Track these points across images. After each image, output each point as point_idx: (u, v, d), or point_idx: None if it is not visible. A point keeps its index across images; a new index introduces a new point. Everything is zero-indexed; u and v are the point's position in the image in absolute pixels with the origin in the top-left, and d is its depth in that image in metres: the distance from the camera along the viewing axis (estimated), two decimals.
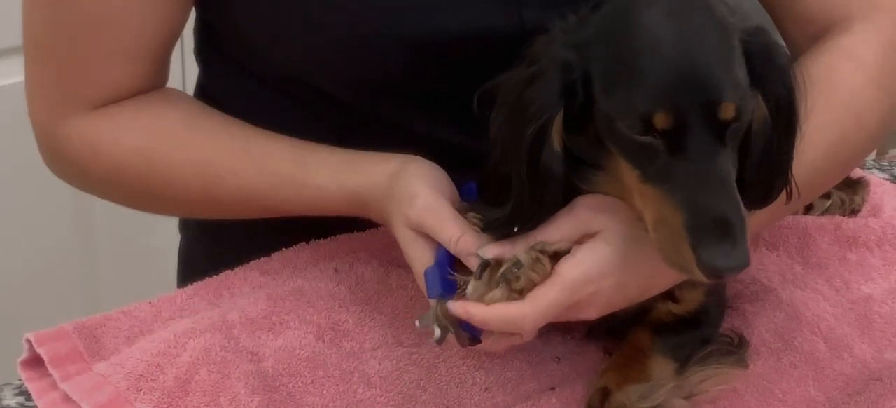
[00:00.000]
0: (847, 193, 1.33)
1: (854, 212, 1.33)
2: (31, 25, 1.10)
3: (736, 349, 1.06)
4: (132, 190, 1.13)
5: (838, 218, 1.29)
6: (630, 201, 0.92)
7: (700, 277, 0.87)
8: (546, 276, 0.93)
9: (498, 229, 0.95)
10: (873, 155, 1.55)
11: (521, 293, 0.92)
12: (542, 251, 0.93)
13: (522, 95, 0.91)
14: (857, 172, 1.39)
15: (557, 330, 1.11)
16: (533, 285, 0.92)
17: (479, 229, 0.96)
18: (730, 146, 0.88)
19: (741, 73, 0.89)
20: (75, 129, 1.10)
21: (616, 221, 0.94)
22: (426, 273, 0.97)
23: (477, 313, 0.93)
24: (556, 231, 0.95)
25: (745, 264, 0.86)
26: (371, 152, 1.06)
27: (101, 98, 1.10)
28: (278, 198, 1.07)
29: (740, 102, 0.88)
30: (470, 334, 0.95)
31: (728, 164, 0.88)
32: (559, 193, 0.94)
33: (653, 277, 0.97)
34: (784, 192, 0.96)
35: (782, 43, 0.95)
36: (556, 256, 0.94)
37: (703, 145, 0.87)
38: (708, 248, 0.85)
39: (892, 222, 1.29)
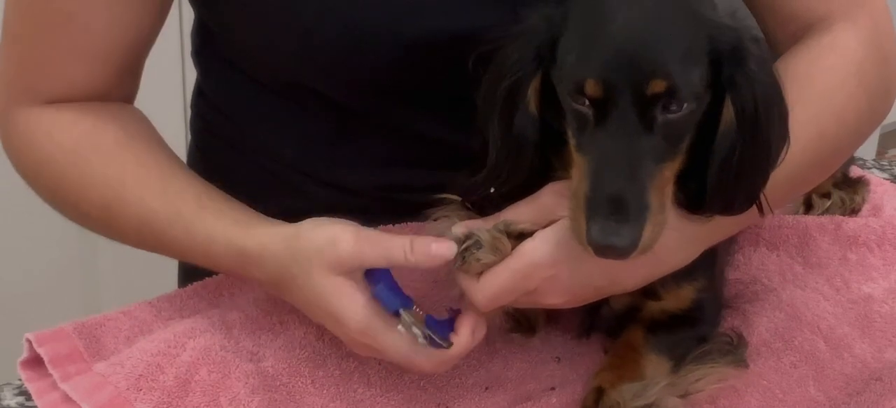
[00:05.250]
0: (847, 192, 1.34)
1: (854, 212, 1.33)
2: (7, 12, 1.11)
3: (734, 349, 1.06)
4: (48, 186, 1.13)
5: (838, 218, 1.29)
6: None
7: (589, 250, 0.88)
8: (504, 256, 0.94)
9: (475, 190, 0.96)
10: (873, 155, 1.56)
11: (478, 275, 0.94)
12: (505, 231, 0.94)
13: (502, 55, 0.94)
14: (857, 172, 1.39)
15: (557, 330, 1.12)
16: (487, 268, 0.94)
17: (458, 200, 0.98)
18: (658, 134, 0.88)
19: (693, 65, 0.89)
20: (21, 117, 1.11)
21: None
22: (378, 292, 0.97)
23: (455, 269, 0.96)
24: (520, 215, 0.96)
25: (630, 246, 0.87)
26: (269, 218, 1.04)
27: (56, 94, 1.11)
28: (170, 234, 1.06)
29: (674, 84, 0.87)
30: (440, 334, 0.97)
31: (647, 149, 0.88)
32: (534, 158, 0.95)
33: (619, 268, 0.96)
34: (755, 206, 0.96)
35: (764, 51, 0.93)
36: (522, 238, 0.95)
37: (625, 123, 0.88)
38: (597, 222, 0.87)
39: (892, 222, 1.29)
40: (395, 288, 0.97)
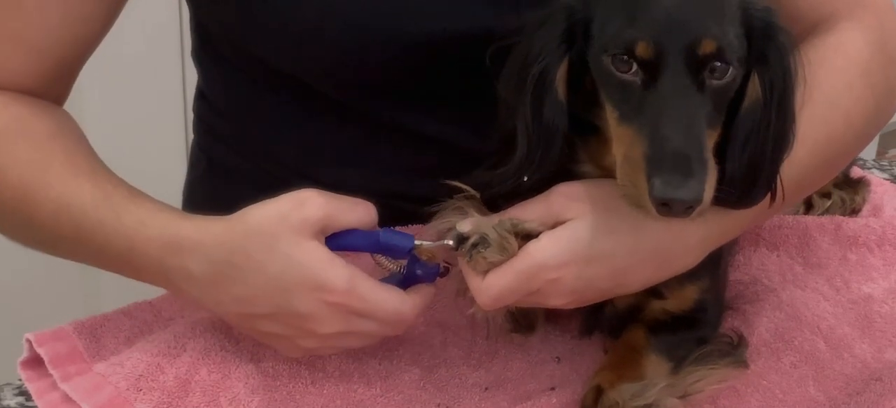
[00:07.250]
0: (847, 192, 1.34)
1: (854, 212, 1.33)
2: None
3: (734, 349, 1.06)
4: None
5: (839, 218, 1.29)
6: (610, 155, 0.93)
7: (651, 209, 0.87)
8: (511, 256, 0.94)
9: (502, 182, 0.96)
10: (873, 155, 1.56)
11: (484, 273, 0.94)
12: (511, 231, 0.94)
13: (528, 41, 0.94)
14: (857, 172, 1.39)
15: (557, 330, 1.12)
16: (493, 266, 0.94)
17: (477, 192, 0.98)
18: (708, 96, 0.89)
19: (733, 31, 0.90)
20: None
21: (589, 210, 0.94)
22: (384, 237, 0.96)
23: (462, 266, 0.96)
24: (528, 213, 0.95)
25: (695, 200, 0.86)
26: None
27: None
28: (94, 217, 0.99)
29: (723, 45, 0.89)
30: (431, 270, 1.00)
31: (700, 109, 0.89)
32: (563, 146, 0.95)
33: (625, 270, 0.96)
34: (769, 195, 0.96)
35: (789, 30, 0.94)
36: (528, 238, 0.95)
37: (677, 83, 0.88)
38: (660, 177, 0.86)
39: (892, 222, 1.29)
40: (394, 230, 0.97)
